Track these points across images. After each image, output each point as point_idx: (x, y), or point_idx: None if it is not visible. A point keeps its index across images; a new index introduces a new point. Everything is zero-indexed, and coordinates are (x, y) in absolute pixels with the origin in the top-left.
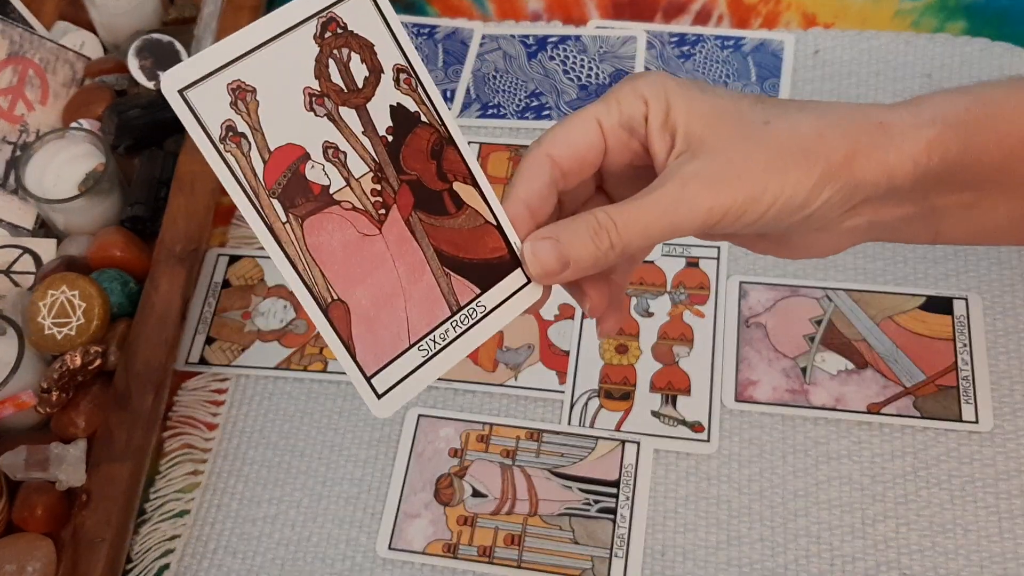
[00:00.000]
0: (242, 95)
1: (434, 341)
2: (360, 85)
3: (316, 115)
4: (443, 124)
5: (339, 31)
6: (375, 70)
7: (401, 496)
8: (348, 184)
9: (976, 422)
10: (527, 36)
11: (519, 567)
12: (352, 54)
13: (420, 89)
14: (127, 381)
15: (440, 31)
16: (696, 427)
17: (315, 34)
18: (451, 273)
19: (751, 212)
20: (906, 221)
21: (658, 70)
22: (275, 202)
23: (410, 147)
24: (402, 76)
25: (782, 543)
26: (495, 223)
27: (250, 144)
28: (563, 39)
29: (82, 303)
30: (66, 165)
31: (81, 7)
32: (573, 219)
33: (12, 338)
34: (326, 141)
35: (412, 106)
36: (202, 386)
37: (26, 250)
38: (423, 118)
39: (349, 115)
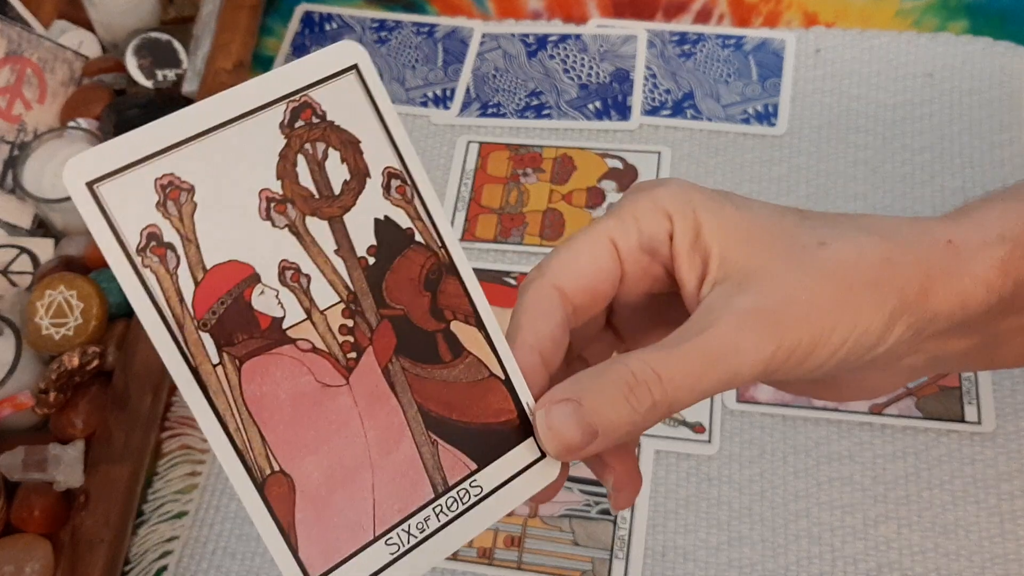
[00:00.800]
0: (174, 194)
1: (408, 533)
2: (337, 191)
3: (274, 225)
4: (443, 246)
5: (315, 120)
6: (359, 173)
7: None
8: (309, 317)
9: (978, 423)
10: (527, 35)
11: (519, 568)
12: (330, 151)
13: (417, 200)
14: (125, 382)
15: (440, 30)
16: (697, 428)
17: (282, 122)
18: (439, 441)
19: (817, 355)
20: (966, 353)
21: (677, 178)
22: (205, 337)
23: (397, 274)
24: (394, 183)
25: (783, 544)
26: (503, 377)
27: (179, 259)
28: (563, 38)
29: (80, 303)
30: (64, 165)
31: (79, 6)
32: (598, 372)
33: (9, 338)
34: (284, 260)
35: (404, 221)
36: None
37: (24, 250)
38: (418, 237)
39: (319, 228)
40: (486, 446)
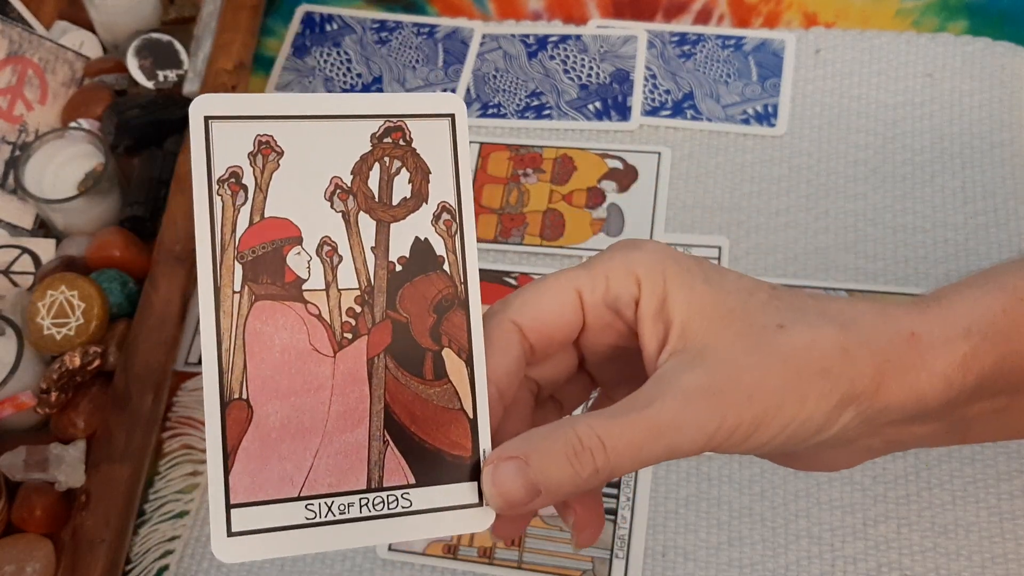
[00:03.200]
0: (266, 151)
1: (329, 508)
2: (394, 202)
3: (332, 207)
4: (465, 283)
5: (401, 142)
6: (419, 196)
7: None
8: (327, 290)
9: None
10: (527, 35)
11: (519, 568)
12: (403, 170)
13: (458, 237)
14: (126, 382)
15: (440, 30)
16: None
17: (375, 133)
18: (391, 443)
19: (759, 435)
20: (929, 437)
21: (657, 242)
22: (238, 267)
23: (415, 288)
24: (444, 216)
25: (783, 544)
26: (471, 416)
27: (246, 200)
28: (563, 38)
29: (81, 303)
30: (65, 165)
31: (80, 7)
32: (549, 433)
33: (11, 338)
34: (327, 237)
35: (440, 249)
36: (201, 387)
37: (25, 250)
38: (446, 266)
39: (366, 224)
40: (431, 469)
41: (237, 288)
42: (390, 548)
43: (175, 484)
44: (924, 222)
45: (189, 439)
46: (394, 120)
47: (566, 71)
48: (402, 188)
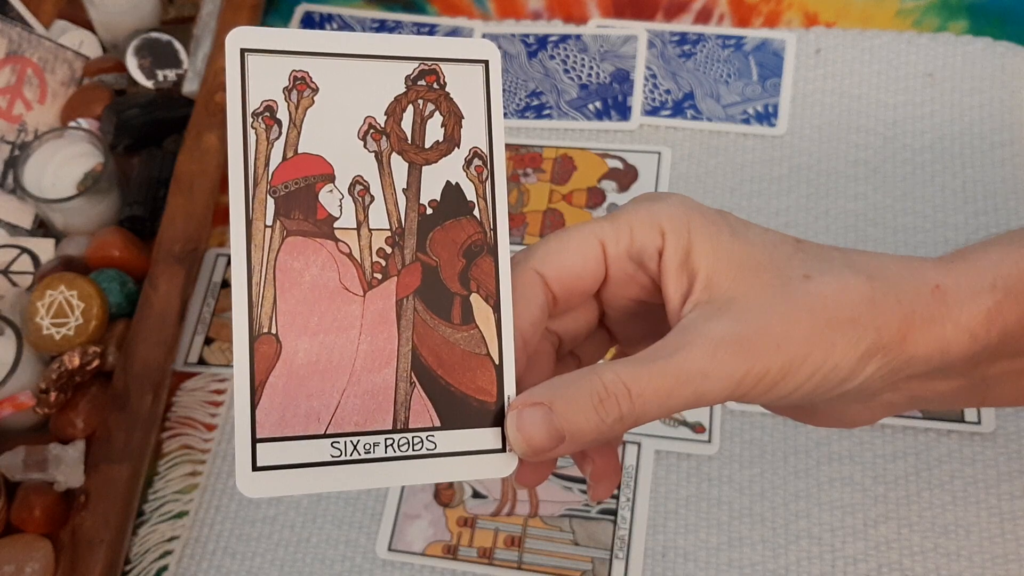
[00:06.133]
0: (301, 87)
1: (354, 447)
2: (427, 145)
3: (365, 147)
4: (494, 230)
5: (435, 86)
6: (451, 140)
7: (401, 497)
8: (358, 229)
9: (978, 423)
10: (527, 35)
11: (519, 568)
12: (436, 113)
13: (488, 183)
14: (126, 382)
15: (440, 30)
16: (697, 428)
17: (409, 75)
18: (418, 385)
19: (786, 383)
20: (950, 394)
21: (681, 194)
22: (270, 201)
23: (446, 232)
24: (476, 161)
25: (783, 544)
26: (497, 362)
27: (280, 134)
28: (564, 38)
29: (81, 303)
30: (64, 165)
31: (80, 6)
32: (574, 380)
33: (10, 338)
34: (359, 176)
35: (471, 194)
36: (201, 387)
37: (24, 250)
38: (475, 212)
39: (399, 166)
40: (456, 413)
41: (269, 222)
42: (389, 549)
43: (174, 484)
44: (925, 222)
45: (188, 439)
46: (428, 63)
47: (566, 71)
48: (435, 131)
